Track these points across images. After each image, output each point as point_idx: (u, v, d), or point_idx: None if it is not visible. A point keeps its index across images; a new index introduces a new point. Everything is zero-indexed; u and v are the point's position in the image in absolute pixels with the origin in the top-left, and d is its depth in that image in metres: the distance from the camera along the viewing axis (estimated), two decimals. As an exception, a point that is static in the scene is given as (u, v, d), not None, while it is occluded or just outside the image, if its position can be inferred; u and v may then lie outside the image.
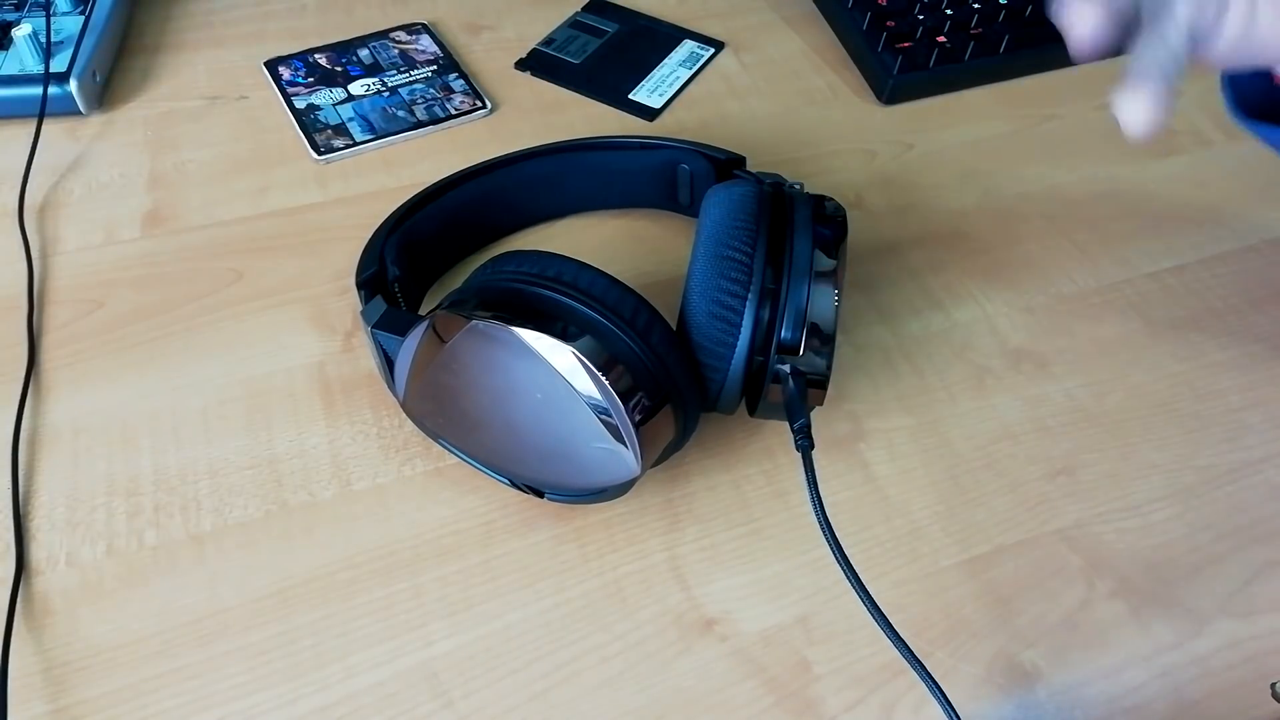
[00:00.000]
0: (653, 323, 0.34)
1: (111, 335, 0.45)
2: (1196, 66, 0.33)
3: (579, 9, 0.64)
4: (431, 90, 0.58)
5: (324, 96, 0.57)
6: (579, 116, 0.57)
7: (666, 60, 0.61)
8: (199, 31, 0.62)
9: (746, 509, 0.40)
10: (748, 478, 0.41)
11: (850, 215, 0.52)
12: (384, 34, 0.61)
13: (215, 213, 0.51)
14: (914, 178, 0.54)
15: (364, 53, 0.60)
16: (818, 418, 0.43)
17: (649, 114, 0.57)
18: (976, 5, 0.60)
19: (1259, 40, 0.32)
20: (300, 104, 0.56)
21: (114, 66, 0.59)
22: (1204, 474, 0.42)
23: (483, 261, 0.38)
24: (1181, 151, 0.56)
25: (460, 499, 0.40)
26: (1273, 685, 0.35)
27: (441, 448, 0.40)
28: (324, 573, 0.38)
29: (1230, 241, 0.51)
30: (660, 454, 0.36)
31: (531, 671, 0.35)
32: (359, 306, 0.40)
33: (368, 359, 0.45)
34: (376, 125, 0.55)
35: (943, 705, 0.32)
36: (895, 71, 0.57)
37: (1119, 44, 0.32)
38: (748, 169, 0.47)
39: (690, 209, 0.50)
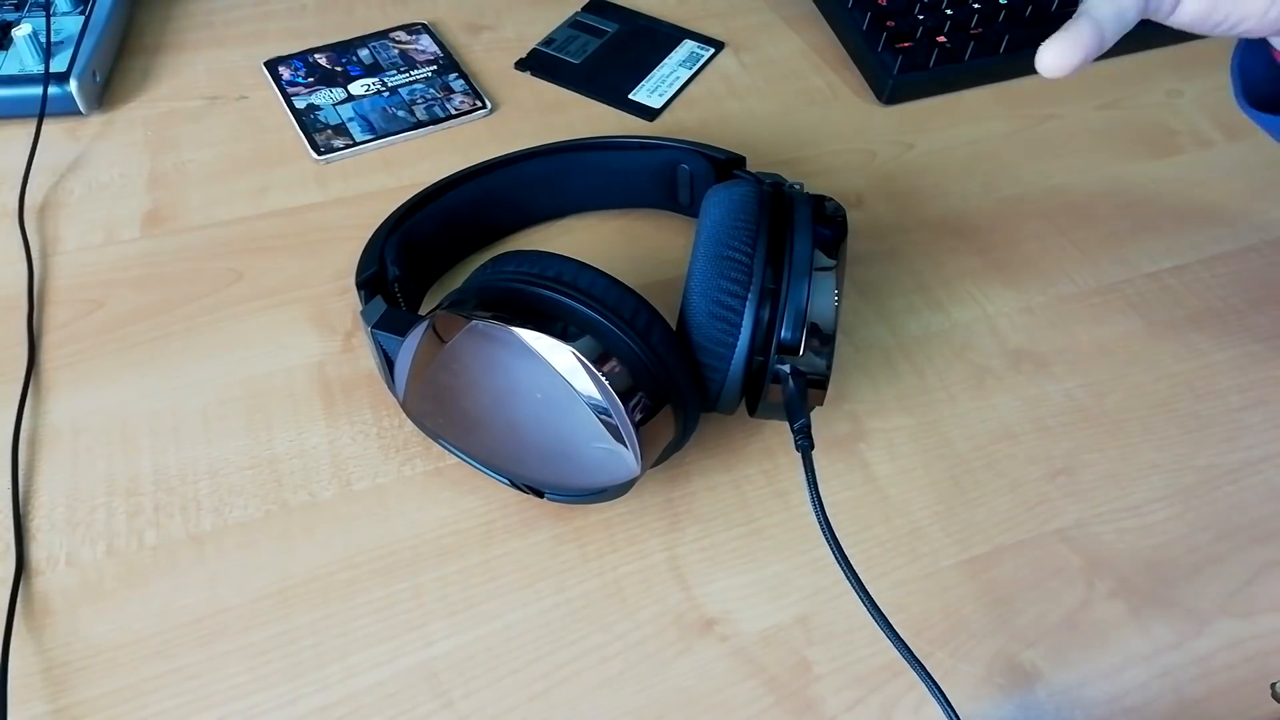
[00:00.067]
0: (653, 323, 0.34)
1: (111, 335, 0.45)
2: (1160, 22, 0.34)
3: (579, 9, 0.64)
4: (431, 90, 0.58)
5: (324, 96, 0.57)
6: (579, 116, 0.57)
7: (666, 60, 0.61)
8: (199, 31, 0.62)
9: (746, 509, 0.40)
10: (748, 478, 0.41)
11: (850, 215, 0.52)
12: (384, 34, 0.61)
13: (215, 213, 0.51)
14: (914, 178, 0.54)
15: (364, 53, 0.60)
16: (818, 418, 0.43)
17: (649, 114, 0.57)
18: (976, 5, 0.60)
19: (1224, 6, 0.32)
20: (300, 104, 0.56)
21: (114, 66, 0.59)
22: (1204, 474, 0.42)
23: (483, 261, 0.38)
24: (1181, 151, 0.56)
25: (460, 499, 0.40)
26: (1273, 685, 0.35)
27: (441, 448, 0.40)
28: (324, 573, 0.38)
29: (1230, 241, 0.51)
30: (660, 454, 0.36)
31: (531, 671, 0.35)
32: (359, 306, 0.40)
33: (368, 359, 0.45)
34: (376, 125, 0.55)
35: (942, 705, 0.32)
36: (895, 71, 0.57)
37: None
38: (748, 169, 0.47)
39: (690, 209, 0.50)
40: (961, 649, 0.36)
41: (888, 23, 0.59)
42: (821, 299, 0.35)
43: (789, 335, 0.35)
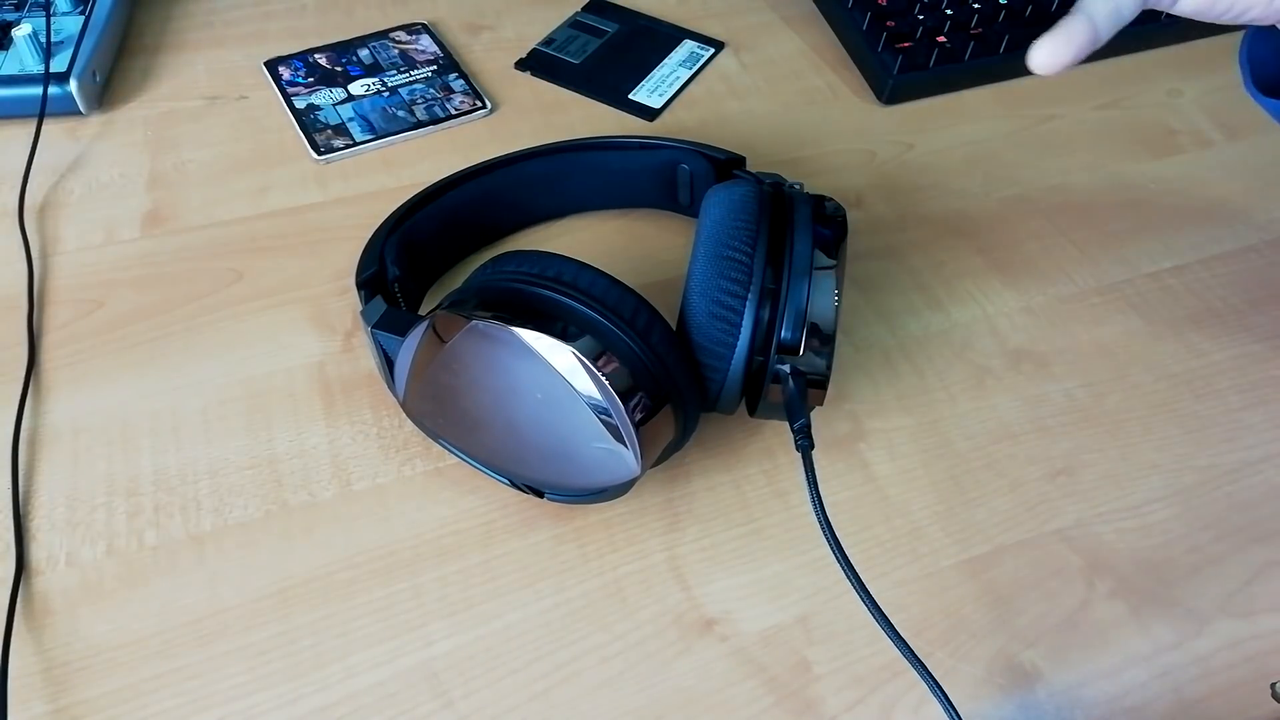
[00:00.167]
0: (653, 323, 0.34)
1: (111, 335, 0.45)
2: (1163, 11, 0.34)
3: (579, 9, 0.64)
4: (431, 90, 0.58)
5: (324, 96, 0.57)
6: (579, 116, 0.57)
7: (666, 60, 0.61)
8: (199, 31, 0.62)
9: (746, 509, 0.40)
10: (748, 478, 0.41)
11: (850, 215, 0.52)
12: (384, 34, 0.61)
13: (215, 213, 0.51)
14: (914, 178, 0.54)
15: (364, 53, 0.60)
16: (818, 418, 0.43)
17: (649, 114, 0.57)
18: (976, 5, 0.60)
19: None
20: (300, 104, 0.56)
21: (114, 66, 0.59)
22: (1204, 474, 0.42)
23: (483, 261, 0.38)
24: (1181, 151, 0.56)
25: (460, 499, 0.40)
26: (1273, 685, 0.35)
27: (441, 448, 0.40)
28: (324, 573, 0.38)
29: (1230, 241, 0.51)
30: (660, 454, 0.36)
31: (531, 671, 0.35)
32: (359, 306, 0.40)
33: (368, 359, 0.45)
34: (376, 125, 0.55)
35: (944, 706, 0.32)
36: (895, 71, 0.57)
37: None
38: (748, 169, 0.47)
39: (690, 209, 0.50)
40: (961, 649, 0.36)
41: (888, 23, 0.59)
42: (821, 299, 0.35)
43: (789, 335, 0.35)
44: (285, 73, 0.58)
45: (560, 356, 0.32)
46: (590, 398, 0.32)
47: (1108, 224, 0.52)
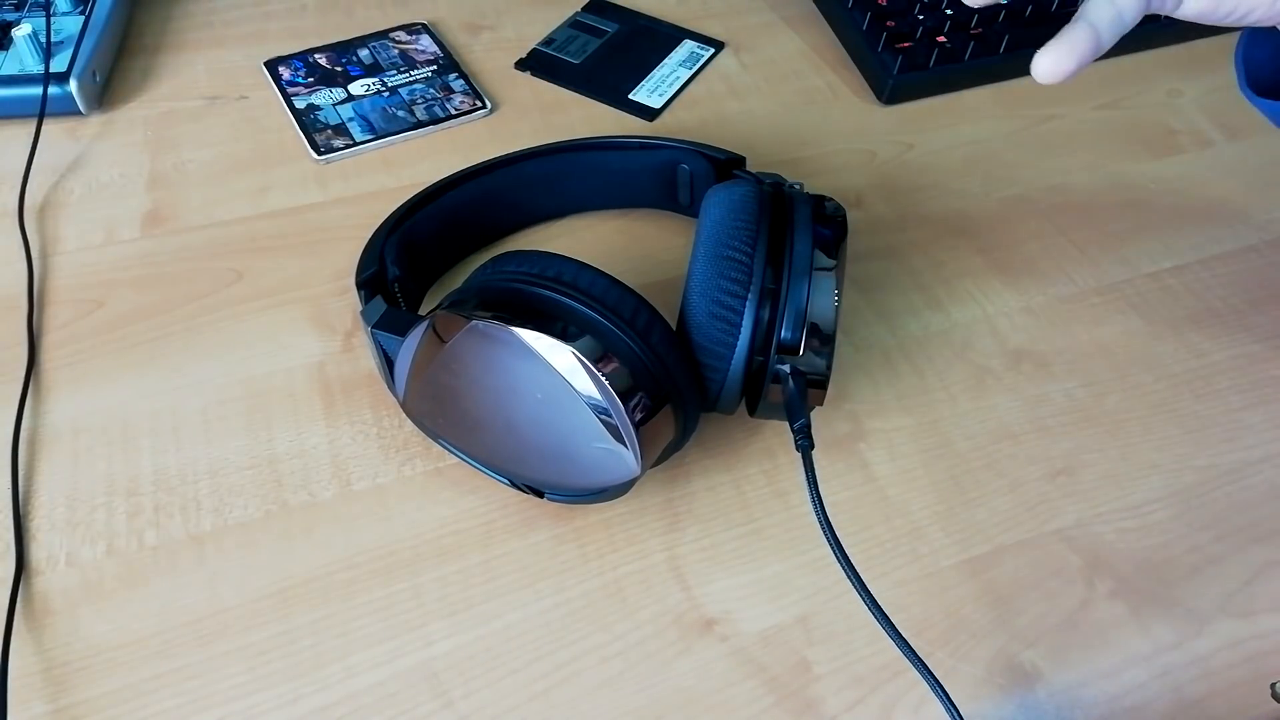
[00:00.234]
0: (653, 323, 0.34)
1: (111, 335, 0.45)
2: (1167, 15, 0.34)
3: (579, 9, 0.64)
4: (431, 90, 0.58)
5: (324, 96, 0.57)
6: (579, 116, 0.57)
7: (666, 60, 0.61)
8: (199, 31, 0.62)
9: (746, 509, 0.40)
10: (748, 478, 0.41)
11: (850, 215, 0.52)
12: (384, 34, 0.61)
13: (215, 213, 0.51)
14: (914, 178, 0.54)
15: (364, 53, 0.60)
16: (818, 418, 0.43)
17: (649, 114, 0.57)
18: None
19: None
20: (300, 104, 0.56)
21: (114, 66, 0.59)
22: (1204, 474, 0.42)
23: (483, 261, 0.38)
24: (1181, 151, 0.56)
25: (460, 499, 0.40)
26: (1273, 685, 0.35)
27: (441, 448, 0.40)
28: (324, 573, 0.38)
29: (1230, 241, 0.51)
30: (660, 454, 0.36)
31: (531, 671, 0.35)
32: (359, 306, 0.40)
33: (368, 359, 0.45)
34: (376, 125, 0.55)
35: (946, 706, 0.32)
36: (895, 71, 0.57)
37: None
38: (748, 169, 0.47)
39: (690, 209, 0.50)
40: (961, 649, 0.36)
41: (888, 23, 0.59)
42: (821, 299, 0.35)
43: (789, 335, 0.35)
44: (285, 73, 0.58)
45: (560, 356, 0.32)
46: (590, 398, 0.32)
47: (1108, 224, 0.52)
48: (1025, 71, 0.60)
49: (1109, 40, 0.32)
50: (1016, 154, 0.56)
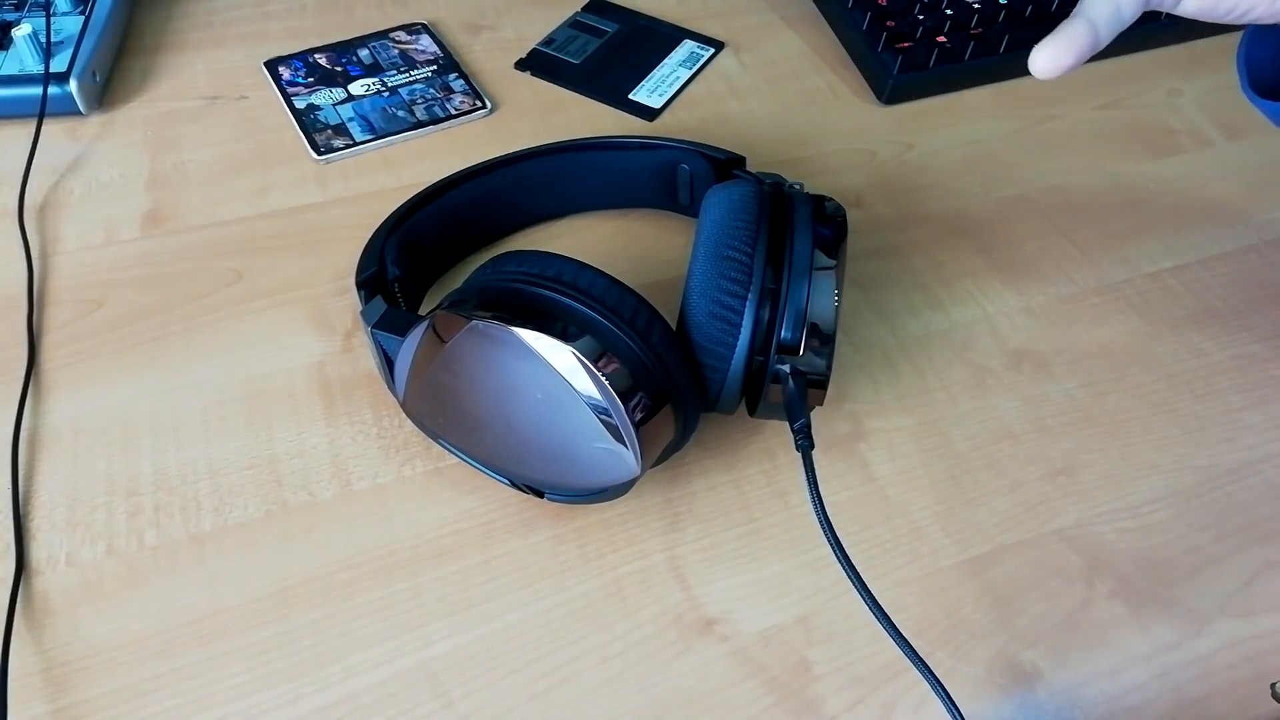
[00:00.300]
0: (653, 323, 0.34)
1: (111, 335, 0.45)
2: (1168, 11, 0.34)
3: (579, 9, 0.64)
4: (431, 90, 0.58)
5: (324, 96, 0.57)
6: (579, 116, 0.57)
7: (666, 60, 0.61)
8: (199, 31, 0.62)
9: (746, 509, 0.40)
10: (748, 478, 0.41)
11: (850, 215, 0.52)
12: (384, 34, 0.61)
13: (215, 213, 0.51)
14: (914, 178, 0.54)
15: (364, 53, 0.60)
16: (818, 418, 0.43)
17: (649, 114, 0.57)
18: (976, 5, 0.60)
19: None
20: (300, 104, 0.56)
21: (114, 66, 0.59)
22: (1204, 474, 0.42)
23: (483, 261, 0.38)
24: (1181, 151, 0.56)
25: (460, 499, 0.40)
26: (1273, 685, 0.35)
27: (441, 448, 0.40)
28: (324, 573, 0.38)
29: (1230, 241, 0.51)
30: (660, 454, 0.36)
31: (531, 671, 0.35)
32: (359, 306, 0.40)
33: (368, 359, 0.45)
34: (376, 125, 0.55)
35: (946, 705, 0.32)
36: (895, 71, 0.57)
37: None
38: (748, 169, 0.47)
39: (690, 209, 0.50)
40: (961, 649, 0.36)
41: (888, 23, 0.59)
42: (821, 299, 0.35)
43: (789, 335, 0.35)
44: (285, 73, 0.58)
45: (560, 356, 0.32)
46: (590, 398, 0.32)
47: (1108, 224, 0.52)
48: (1025, 71, 0.60)
49: (1107, 36, 0.32)
50: (1016, 154, 0.56)
